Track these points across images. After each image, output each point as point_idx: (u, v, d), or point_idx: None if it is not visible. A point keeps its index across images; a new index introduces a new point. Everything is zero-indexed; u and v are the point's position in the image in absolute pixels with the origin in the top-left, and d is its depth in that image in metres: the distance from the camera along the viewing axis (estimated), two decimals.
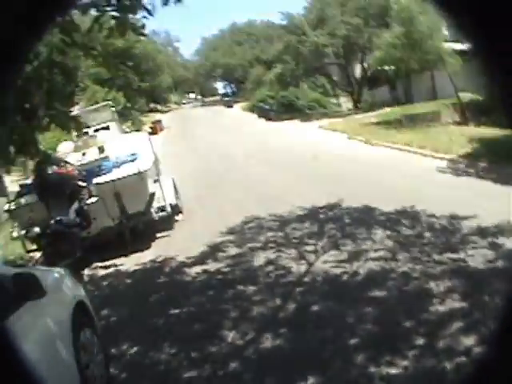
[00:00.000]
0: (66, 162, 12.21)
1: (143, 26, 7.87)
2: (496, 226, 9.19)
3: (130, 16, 7.37)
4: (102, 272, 11.28)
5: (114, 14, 7.17)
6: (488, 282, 6.98)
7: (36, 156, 8.11)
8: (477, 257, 7.97)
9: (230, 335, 6.75)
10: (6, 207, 12.38)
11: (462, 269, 7.71)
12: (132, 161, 12.49)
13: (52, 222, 11.20)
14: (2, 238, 14.70)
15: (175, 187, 14.95)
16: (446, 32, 31.31)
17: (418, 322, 6.19)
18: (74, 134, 13.62)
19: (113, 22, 7.31)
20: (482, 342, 5.26)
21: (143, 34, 8.49)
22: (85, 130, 13.50)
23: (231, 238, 11.65)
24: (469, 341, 5.45)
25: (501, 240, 8.54)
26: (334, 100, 55.94)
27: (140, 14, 7.54)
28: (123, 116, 40.53)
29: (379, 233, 10.16)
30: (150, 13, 7.54)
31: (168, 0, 7.22)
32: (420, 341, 5.77)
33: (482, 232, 9.16)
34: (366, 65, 49.15)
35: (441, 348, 5.51)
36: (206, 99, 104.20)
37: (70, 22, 6.97)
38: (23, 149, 7.17)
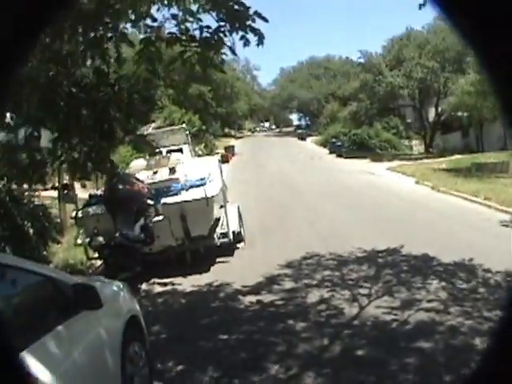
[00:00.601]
0: (137, 179, 12.56)
1: (223, 62, 8.09)
2: None
3: None
4: (159, 289, 11.56)
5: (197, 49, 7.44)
6: None
7: (111, 173, 8.46)
8: None
9: (274, 368, 6.82)
10: (74, 214, 12.84)
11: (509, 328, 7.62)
12: (201, 185, 12.72)
13: (117, 234, 11.53)
14: (65, 242, 15.19)
15: (240, 215, 15.17)
16: None
17: (458, 376, 6.15)
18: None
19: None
20: None
21: (223, 71, 8.70)
22: (158, 150, 13.94)
23: (288, 271, 11.71)
24: None
25: None
26: (406, 142, 55.70)
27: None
28: (197, 138, 41.31)
29: (434, 283, 10.05)
30: (233, 52, 7.79)
31: (249, 42, 7.40)
32: None
33: None
34: (440, 109, 48.77)
35: None
36: (280, 129, 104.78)
37: (156, 51, 7.32)
38: (100, 166, 7.53)
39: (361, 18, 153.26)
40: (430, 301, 9.06)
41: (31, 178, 8.34)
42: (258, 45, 7.37)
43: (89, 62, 7.68)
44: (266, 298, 9.98)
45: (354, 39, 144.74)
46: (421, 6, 10.00)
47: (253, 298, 9.96)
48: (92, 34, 7.01)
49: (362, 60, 53.86)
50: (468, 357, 6.63)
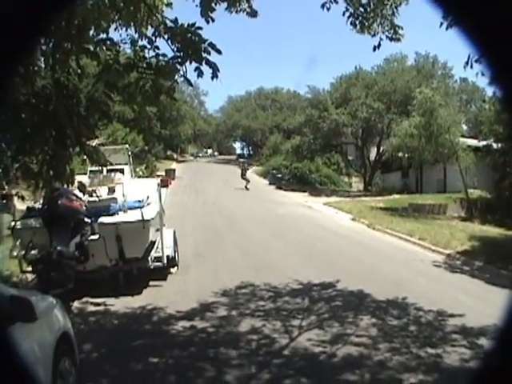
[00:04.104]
0: (76, 196, 12.43)
1: (174, 89, 8.16)
2: (480, 327, 9.38)
3: None
4: (92, 308, 11.43)
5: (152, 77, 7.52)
6: (458, 379, 7.16)
7: (71, 183, 8.42)
8: (454, 355, 8.14)
9: None
10: (11, 225, 12.61)
11: (436, 364, 7.87)
12: (138, 207, 12.67)
13: (52, 249, 11.36)
14: (0, 253, 14.88)
15: (175, 240, 15.14)
16: (463, 127, 31.75)
17: None
18: (89, 169, 13.97)
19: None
20: None
21: (174, 99, 8.77)
22: (99, 169, 13.83)
23: (223, 299, 11.75)
24: None
25: (481, 341, 8.73)
26: (345, 179, 56.51)
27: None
28: (139, 158, 40.99)
29: (366, 319, 10.25)
30: (189, 83, 7.88)
31: (202, 73, 7.49)
32: None
33: (464, 331, 9.35)
34: (381, 149, 49.70)
35: None
36: (222, 157, 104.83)
37: (112, 75, 7.35)
38: (60, 175, 7.51)
39: (314, 54, 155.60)
40: (359, 336, 9.26)
41: None
42: (212, 78, 7.45)
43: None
44: (199, 324, 10.01)
45: (304, 74, 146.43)
46: (375, 48, 10.24)
47: (186, 324, 9.97)
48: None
49: (309, 95, 54.57)
50: None
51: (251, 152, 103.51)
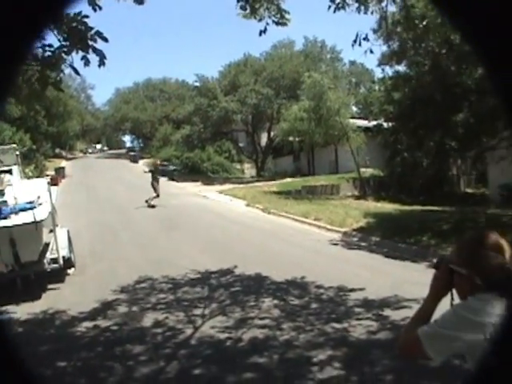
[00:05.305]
0: None
1: (60, 81, 7.96)
2: (382, 299, 9.62)
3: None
4: None
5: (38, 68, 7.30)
6: (368, 351, 7.29)
7: None
8: (360, 328, 8.28)
9: None
10: None
11: (344, 339, 7.94)
12: (30, 208, 12.21)
13: None
14: None
15: (69, 240, 14.62)
16: (353, 108, 32.51)
17: None
18: None
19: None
20: None
21: (61, 90, 8.55)
22: None
23: (122, 296, 11.48)
24: None
25: (386, 312, 8.93)
26: (238, 166, 56.82)
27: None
28: (27, 159, 39.69)
29: (267, 301, 10.30)
30: (76, 72, 7.69)
31: (89, 62, 7.35)
32: None
33: (367, 304, 9.52)
34: (272, 134, 50.28)
35: None
36: (112, 151, 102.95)
37: None
38: None
39: (202, 42, 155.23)
40: (263, 318, 9.29)
41: None
42: (99, 65, 7.32)
43: None
44: (102, 323, 9.72)
45: (194, 63, 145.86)
46: (261, 33, 10.31)
47: (89, 324, 9.68)
48: None
49: (197, 84, 54.32)
50: (305, 368, 6.88)
51: (141, 145, 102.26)
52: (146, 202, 26.65)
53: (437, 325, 2.37)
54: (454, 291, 2.49)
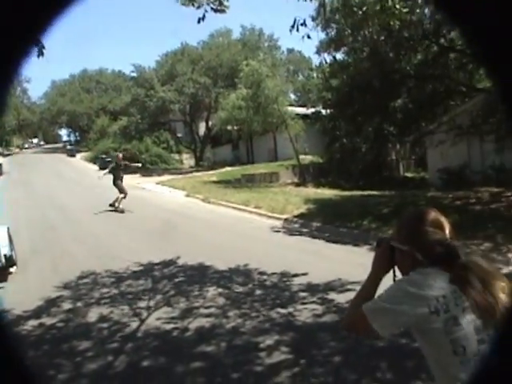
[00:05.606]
0: None
1: None
2: (326, 282, 9.71)
3: None
4: None
5: None
6: (314, 334, 7.35)
7: None
8: (305, 312, 8.35)
9: None
10: None
11: (290, 323, 7.99)
12: None
13: None
14: None
15: (10, 237, 14.31)
16: (292, 96, 32.60)
17: (245, 373, 6.37)
18: None
19: None
20: None
21: None
22: None
23: (66, 293, 11.22)
24: None
25: (330, 295, 9.02)
26: (176, 156, 56.40)
27: None
28: None
29: (211, 290, 10.29)
30: None
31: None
32: None
33: (311, 288, 9.60)
34: (210, 123, 50.11)
35: None
36: (49, 146, 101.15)
37: None
38: None
39: (139, 32, 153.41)
40: (208, 307, 9.27)
41: None
42: (38, 56, 7.10)
43: None
44: (48, 321, 9.50)
45: (131, 53, 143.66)
46: (200, 20, 10.20)
47: (34, 322, 9.46)
48: None
49: (134, 74, 53.54)
50: (253, 354, 6.91)
51: (78, 138, 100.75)
52: (112, 205, 22.32)
53: (381, 300, 2.38)
54: (396, 268, 2.51)
